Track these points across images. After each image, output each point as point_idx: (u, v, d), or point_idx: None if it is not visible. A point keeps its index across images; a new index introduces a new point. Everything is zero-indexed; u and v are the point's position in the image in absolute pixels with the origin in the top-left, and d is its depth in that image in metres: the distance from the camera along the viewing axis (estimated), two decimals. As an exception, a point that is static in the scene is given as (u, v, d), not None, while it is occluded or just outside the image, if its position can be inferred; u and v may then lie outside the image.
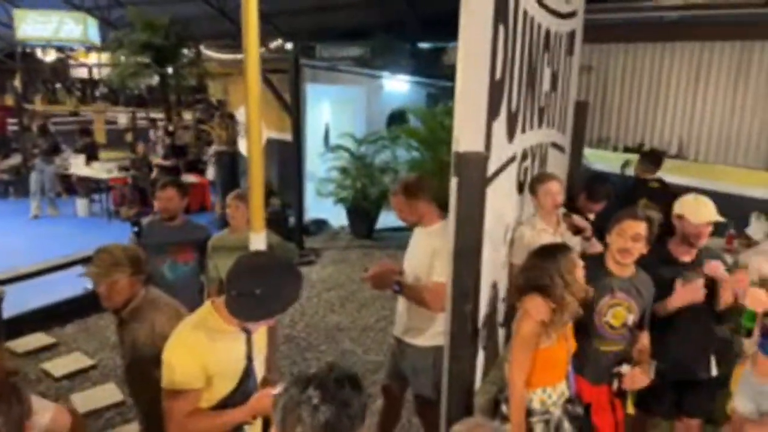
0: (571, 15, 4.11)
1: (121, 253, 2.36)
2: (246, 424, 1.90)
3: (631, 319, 2.52)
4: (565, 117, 4.40)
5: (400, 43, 11.77)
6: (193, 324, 1.85)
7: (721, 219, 2.68)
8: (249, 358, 1.92)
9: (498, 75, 2.61)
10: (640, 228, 2.46)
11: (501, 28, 2.54)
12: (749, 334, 2.51)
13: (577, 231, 3.27)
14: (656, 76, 10.71)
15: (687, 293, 2.59)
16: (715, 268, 2.63)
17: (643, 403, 2.87)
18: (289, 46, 13.74)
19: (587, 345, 2.49)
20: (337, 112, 9.24)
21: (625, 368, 2.45)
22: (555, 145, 4.21)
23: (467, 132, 2.29)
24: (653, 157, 5.13)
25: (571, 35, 4.20)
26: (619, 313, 2.50)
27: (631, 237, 2.45)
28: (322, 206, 8.30)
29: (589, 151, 8.91)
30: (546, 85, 3.60)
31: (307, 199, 8.01)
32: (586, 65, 10.82)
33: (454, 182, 2.24)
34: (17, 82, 13.50)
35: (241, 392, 1.88)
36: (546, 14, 3.34)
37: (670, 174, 6.87)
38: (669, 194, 4.48)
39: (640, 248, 2.48)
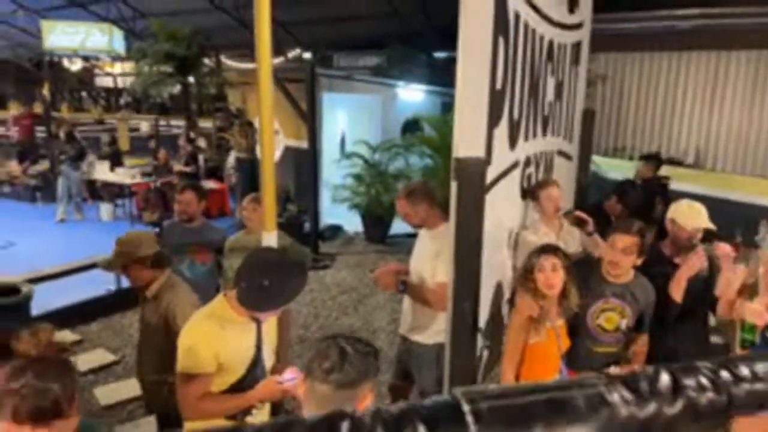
0: (576, 26, 4.22)
1: (135, 240, 2.60)
2: (254, 408, 2.05)
3: (624, 323, 2.61)
4: (571, 125, 4.50)
5: (417, 53, 11.95)
6: (207, 314, 2.01)
7: (711, 226, 2.77)
8: (258, 347, 2.07)
9: (498, 85, 2.74)
10: (631, 242, 2.53)
11: (501, 41, 2.67)
12: (752, 346, 2.50)
13: (580, 222, 3.36)
14: (672, 84, 10.71)
15: (694, 261, 2.67)
16: (723, 248, 2.71)
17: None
18: (307, 55, 14.03)
19: (580, 345, 2.60)
20: (353, 120, 9.41)
21: (613, 370, 2.54)
22: (561, 153, 4.31)
23: (467, 138, 2.42)
24: (656, 160, 5.67)
25: (577, 46, 4.31)
26: (611, 317, 2.59)
27: (620, 250, 2.54)
28: (338, 212, 8.46)
29: (603, 159, 8.94)
30: (550, 95, 3.71)
31: (323, 205, 8.17)
32: (601, 74, 10.88)
33: (453, 186, 2.36)
34: (45, 91, 13.96)
35: (250, 379, 2.03)
36: (549, 26, 3.47)
37: (685, 182, 6.90)
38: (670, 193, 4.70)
39: (631, 261, 2.56)
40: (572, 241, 3.33)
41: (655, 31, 10.28)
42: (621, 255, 2.54)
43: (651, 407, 0.39)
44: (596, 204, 4.34)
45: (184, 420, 2.01)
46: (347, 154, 8.50)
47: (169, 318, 2.45)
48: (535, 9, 3.20)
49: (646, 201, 4.69)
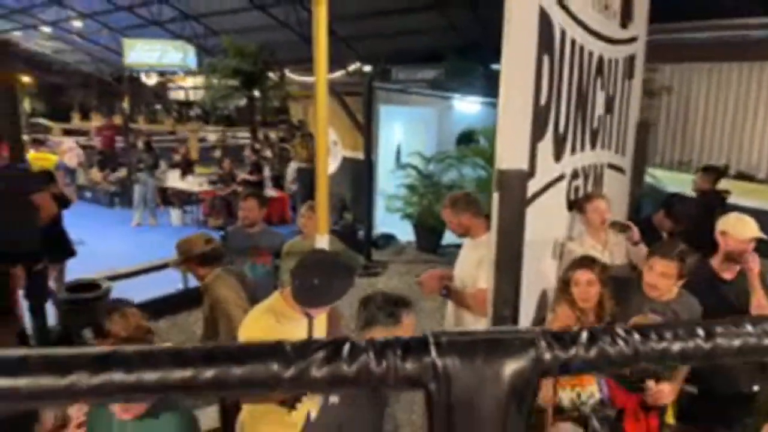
0: (630, 41, 4.23)
1: (189, 242, 3.00)
2: (304, 395, 2.24)
3: None
4: (624, 139, 4.48)
5: (474, 65, 12.06)
6: (264, 308, 2.24)
7: (763, 235, 2.73)
8: (309, 341, 2.27)
9: (543, 101, 2.84)
10: (669, 267, 2.53)
11: (545, 59, 2.78)
12: None
13: (623, 228, 3.37)
14: (743, 96, 10.28)
15: None
16: (752, 261, 2.69)
17: (684, 416, 2.94)
18: (367, 68, 14.42)
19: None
20: (409, 132, 9.60)
21: (650, 383, 2.54)
22: (612, 166, 4.31)
23: (509, 151, 2.54)
24: (716, 172, 5.47)
25: (630, 59, 4.31)
26: None
27: (659, 274, 2.55)
28: (391, 221, 8.64)
29: (665, 173, 8.71)
30: (600, 109, 3.75)
31: (377, 214, 8.37)
32: (666, 86, 10.57)
33: (495, 197, 2.48)
34: (125, 104, 15.01)
35: (301, 369, 2.23)
36: (598, 41, 3.52)
37: (755, 198, 6.61)
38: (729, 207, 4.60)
39: (670, 284, 2.56)
40: (618, 252, 3.36)
41: (725, 41, 9.92)
42: (659, 278, 2.55)
43: (571, 351, 0.54)
44: (647, 218, 4.31)
45: (242, 404, 2.23)
46: (402, 165, 8.68)
47: (213, 305, 2.75)
48: (583, 26, 3.27)
49: (704, 214, 4.55)
